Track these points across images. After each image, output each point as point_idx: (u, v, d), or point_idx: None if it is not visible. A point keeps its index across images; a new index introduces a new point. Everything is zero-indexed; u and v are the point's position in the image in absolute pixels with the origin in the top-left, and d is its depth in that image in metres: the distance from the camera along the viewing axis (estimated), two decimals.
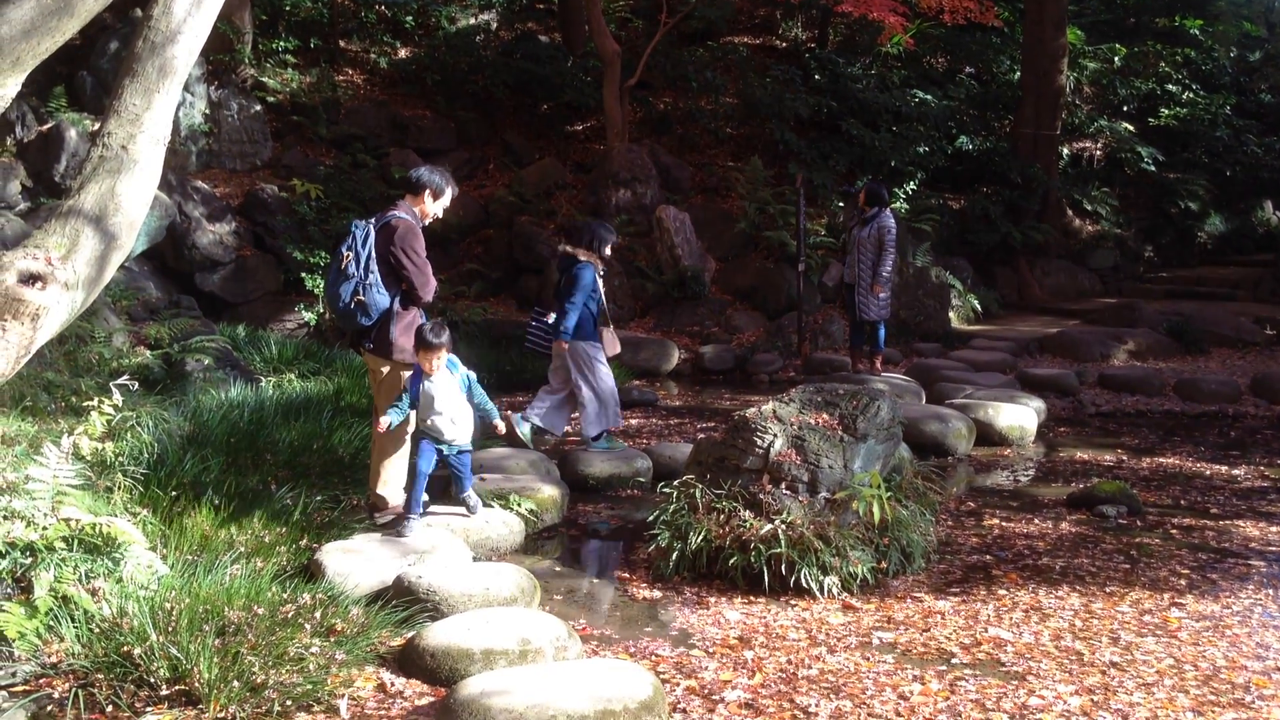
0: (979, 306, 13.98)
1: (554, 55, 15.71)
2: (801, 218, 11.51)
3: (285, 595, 4.26)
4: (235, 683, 3.66)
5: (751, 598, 4.95)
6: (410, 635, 4.26)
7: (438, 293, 5.89)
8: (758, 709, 3.85)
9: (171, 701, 3.68)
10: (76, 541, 4.18)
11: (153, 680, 3.71)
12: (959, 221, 14.85)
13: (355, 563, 4.83)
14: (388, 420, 5.27)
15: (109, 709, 3.66)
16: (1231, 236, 17.46)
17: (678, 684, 4.05)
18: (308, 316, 11.11)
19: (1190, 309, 13.07)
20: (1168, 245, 17.17)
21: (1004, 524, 6.21)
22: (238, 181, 12.41)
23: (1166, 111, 17.30)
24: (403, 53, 15.84)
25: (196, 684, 3.67)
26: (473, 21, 16.70)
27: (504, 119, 15.29)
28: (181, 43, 4.29)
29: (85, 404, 4.87)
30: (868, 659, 4.29)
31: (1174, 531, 6.08)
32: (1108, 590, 5.10)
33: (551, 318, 7.33)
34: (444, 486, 5.79)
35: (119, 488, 5.00)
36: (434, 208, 5.64)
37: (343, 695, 3.83)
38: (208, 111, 12.54)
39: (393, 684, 4.00)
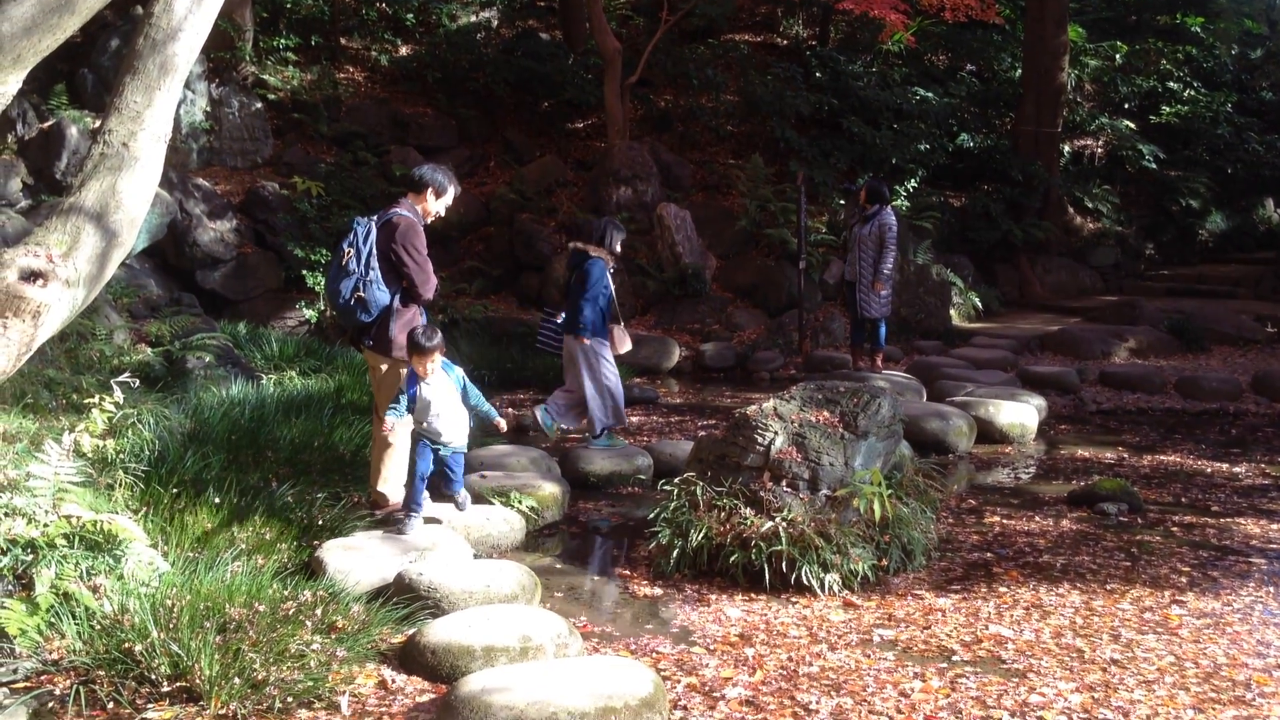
0: (980, 304, 13.98)
1: (555, 53, 15.71)
2: (802, 215, 11.51)
3: (286, 592, 4.26)
4: (236, 679, 3.67)
5: (752, 595, 4.96)
6: (411, 632, 4.26)
7: (438, 290, 5.89)
8: (758, 706, 3.85)
9: (172, 698, 3.69)
10: (78, 538, 4.18)
11: (154, 677, 3.71)
12: (960, 219, 14.85)
13: (356, 560, 4.84)
14: (390, 422, 5.26)
15: (110, 706, 3.66)
16: (1232, 234, 17.46)
17: (679, 681, 4.05)
18: (309, 314, 11.11)
19: (1191, 307, 13.07)
20: (1169, 243, 17.17)
21: (1005, 521, 6.21)
22: (239, 179, 12.41)
23: (1168, 109, 17.29)
24: (404, 50, 15.84)
25: (197, 681, 3.68)
26: (474, 19, 16.70)
27: (505, 116, 15.28)
28: (183, 40, 4.29)
29: (86, 401, 4.88)
30: (868, 656, 4.30)
31: (1175, 529, 6.08)
32: (1108, 588, 5.10)
33: (561, 317, 7.36)
34: (434, 481, 5.79)
35: (120, 485, 5.01)
36: (436, 206, 5.64)
37: (344, 692, 3.83)
38: (209, 109, 12.53)
39: (394, 681, 4.00)
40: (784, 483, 5.28)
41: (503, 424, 5.81)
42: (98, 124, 4.42)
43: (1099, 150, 17.14)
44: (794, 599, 4.90)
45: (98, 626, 3.92)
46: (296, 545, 5.04)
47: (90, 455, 4.71)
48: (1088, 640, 4.46)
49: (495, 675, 3.74)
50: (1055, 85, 15.40)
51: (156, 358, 7.87)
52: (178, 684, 3.70)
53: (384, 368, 5.48)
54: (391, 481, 5.54)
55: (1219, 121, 17.12)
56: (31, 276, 3.79)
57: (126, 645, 3.78)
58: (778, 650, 4.35)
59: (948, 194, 15.26)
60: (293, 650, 3.86)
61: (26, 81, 4.22)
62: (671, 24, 14.71)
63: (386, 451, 5.50)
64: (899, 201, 13.76)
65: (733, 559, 5.04)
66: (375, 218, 5.50)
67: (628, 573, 5.35)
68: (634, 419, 8.67)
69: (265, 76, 13.53)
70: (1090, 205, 16.35)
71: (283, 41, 14.12)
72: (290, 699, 3.71)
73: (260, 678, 3.70)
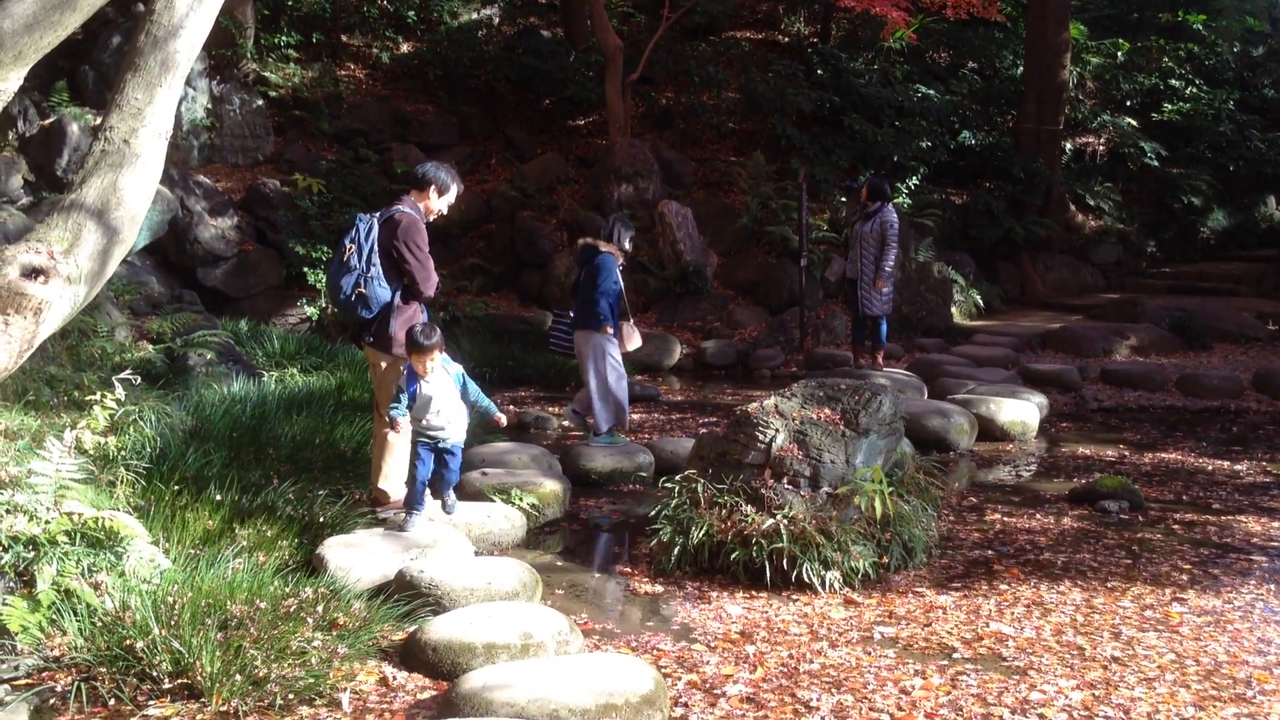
0: (981, 302, 13.98)
1: (556, 50, 15.70)
2: (804, 213, 11.50)
3: (287, 589, 4.26)
4: (237, 676, 3.67)
5: (753, 592, 4.96)
6: (412, 629, 4.26)
7: (440, 287, 5.89)
8: (759, 703, 3.85)
9: (174, 695, 3.69)
10: (79, 535, 4.18)
11: (155, 674, 3.72)
12: (961, 216, 14.84)
13: (357, 557, 4.84)
14: (400, 422, 5.23)
15: (111, 703, 3.66)
16: (1234, 232, 17.46)
17: (679, 678, 4.05)
18: (310, 311, 11.12)
19: (1193, 304, 13.07)
20: (1170, 240, 17.16)
21: (1006, 519, 6.21)
22: (240, 176, 12.41)
23: (1169, 106, 17.27)
24: (405, 47, 15.83)
25: (199, 677, 3.68)
26: (475, 16, 16.69)
27: (506, 114, 15.28)
28: (184, 37, 4.29)
29: (88, 398, 4.88)
30: (869, 653, 4.30)
31: (1176, 527, 6.08)
32: (1109, 585, 5.10)
33: (571, 315, 7.39)
34: (430, 481, 5.79)
35: (121, 482, 5.01)
36: (439, 204, 5.64)
37: (345, 689, 3.83)
38: (210, 106, 12.53)
39: (395, 678, 4.00)
40: (785, 480, 5.28)
41: (503, 419, 5.80)
42: (99, 121, 4.41)
43: (1101, 148, 17.13)
44: (795, 596, 4.90)
45: (99, 623, 3.92)
46: (298, 542, 5.04)
47: (92, 452, 4.72)
48: (1088, 638, 4.46)
49: (496, 672, 3.74)
50: (1057, 82, 15.38)
51: (158, 355, 7.87)
52: (179, 681, 3.71)
53: (384, 365, 5.48)
54: (393, 478, 5.55)
55: (1221, 119, 17.10)
56: (33, 273, 3.79)
57: (128, 642, 3.78)
58: (779, 647, 4.35)
59: (949, 191, 15.25)
60: (294, 647, 3.87)
61: (28, 78, 4.22)
62: (673, 21, 14.70)
63: (387, 449, 5.50)
64: (900, 199, 13.75)
65: (734, 556, 5.04)
66: (378, 214, 5.50)
67: (629, 570, 5.35)
68: (635, 416, 8.67)
69: (266, 74, 13.52)
70: (1092, 203, 16.34)
71: (284, 38, 14.11)
72: (291, 696, 3.71)
73: (261, 675, 3.71)
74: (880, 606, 4.82)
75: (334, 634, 4.07)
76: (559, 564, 5.50)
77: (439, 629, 4.12)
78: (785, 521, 5.03)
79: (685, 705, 3.83)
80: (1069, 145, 16.64)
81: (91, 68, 11.90)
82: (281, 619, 3.99)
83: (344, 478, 6.01)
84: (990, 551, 5.63)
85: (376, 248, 5.35)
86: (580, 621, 4.59)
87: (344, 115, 13.89)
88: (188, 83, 9.43)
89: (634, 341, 7.41)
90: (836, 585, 4.96)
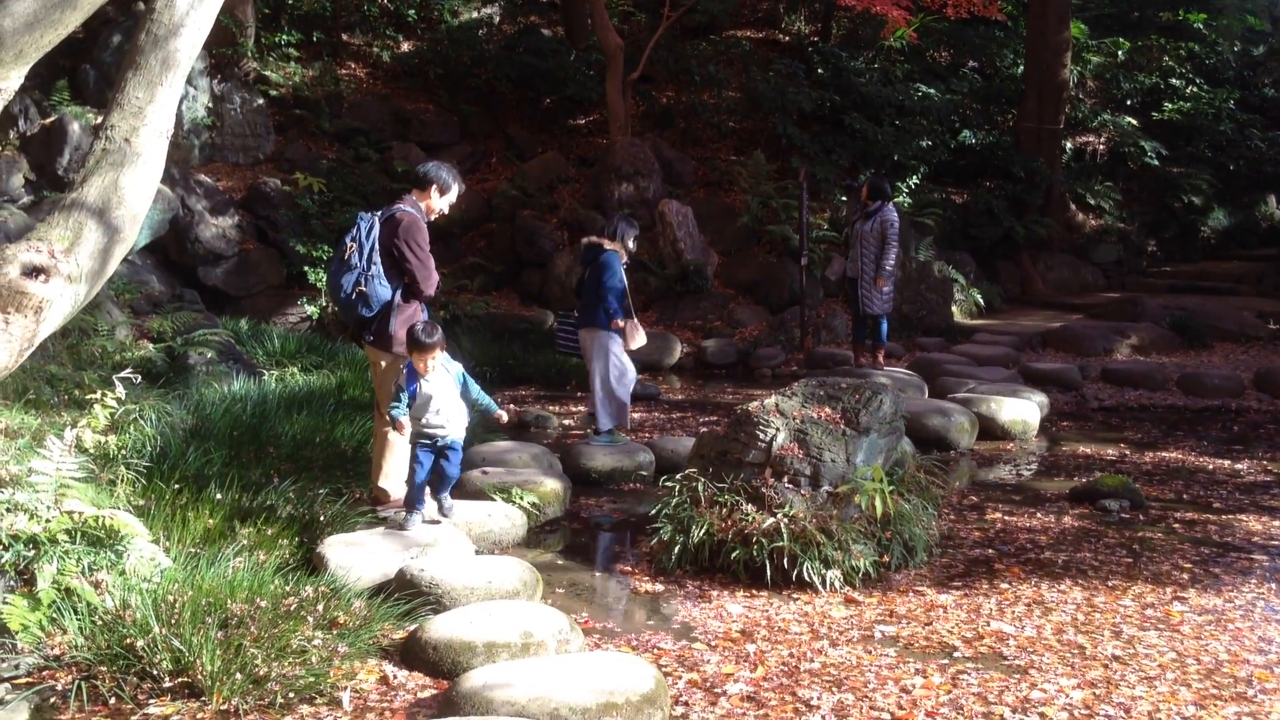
0: (981, 301, 13.97)
1: (557, 49, 15.70)
2: (804, 212, 11.50)
3: (288, 588, 4.26)
4: (238, 675, 3.67)
5: (754, 591, 4.96)
6: (413, 628, 4.26)
7: (440, 286, 5.89)
8: (760, 702, 3.85)
9: (174, 694, 3.69)
10: (79, 534, 4.18)
11: (155, 672, 3.72)
12: (962, 216, 14.83)
13: (358, 556, 4.84)
14: (403, 421, 5.21)
15: (112, 701, 3.66)
16: (1235, 231, 17.45)
17: (680, 677, 4.05)
18: (310, 310, 11.12)
19: (1193, 304, 13.07)
20: (1171, 240, 17.16)
21: (1006, 518, 6.21)
22: (240, 175, 12.41)
23: (1170, 106, 17.27)
24: (405, 46, 15.83)
25: (199, 676, 3.68)
26: (475, 15, 16.69)
27: (506, 113, 15.28)
28: (184, 36, 4.29)
29: (88, 397, 4.88)
30: (870, 652, 4.30)
31: (1176, 526, 6.08)
32: (1110, 584, 5.10)
33: (576, 315, 7.40)
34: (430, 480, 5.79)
35: (122, 481, 5.01)
36: (440, 203, 5.64)
37: (345, 687, 3.83)
38: (210, 105, 12.53)
39: (395, 676, 4.00)
40: (785, 479, 5.28)
41: (503, 416, 5.78)
42: (100, 120, 4.41)
43: (1101, 147, 17.12)
44: (795, 595, 4.90)
45: (99, 622, 3.92)
46: (298, 541, 5.04)
47: (92, 451, 4.72)
48: (1089, 637, 4.46)
49: (497, 671, 3.74)
50: (1057, 82, 15.37)
51: (158, 354, 7.87)
52: (179, 679, 3.71)
53: (384, 363, 5.48)
54: (393, 477, 5.55)
55: (1221, 118, 17.09)
56: (34, 272, 3.79)
57: (128, 641, 3.78)
58: (779, 646, 4.35)
59: (949, 190, 15.24)
60: (294, 646, 3.86)
61: (28, 77, 4.22)
62: (673, 20, 14.70)
63: (388, 447, 5.51)
64: (901, 198, 13.75)
65: (734, 555, 5.04)
66: (379, 213, 5.50)
67: (629, 569, 5.35)
68: (636, 415, 8.66)
69: (267, 73, 13.53)
70: (1092, 202, 16.33)
71: (284, 37, 14.11)
72: (292, 694, 3.71)
73: (262, 673, 3.70)
74: (881, 605, 4.82)
75: (334, 633, 4.07)
76: (559, 563, 5.50)
77: (439, 628, 4.12)
78: (786, 520, 5.03)
79: (686, 704, 3.83)
80: (1069, 144, 16.64)
81: (92, 66, 11.90)
82: (282, 618, 3.98)
83: (344, 476, 6.01)
84: (991, 550, 5.63)
85: (377, 246, 5.35)
86: (581, 620, 4.59)
87: (345, 114, 13.90)
88: (188, 82, 9.42)
89: (639, 340, 7.42)
90: (837, 584, 4.95)
